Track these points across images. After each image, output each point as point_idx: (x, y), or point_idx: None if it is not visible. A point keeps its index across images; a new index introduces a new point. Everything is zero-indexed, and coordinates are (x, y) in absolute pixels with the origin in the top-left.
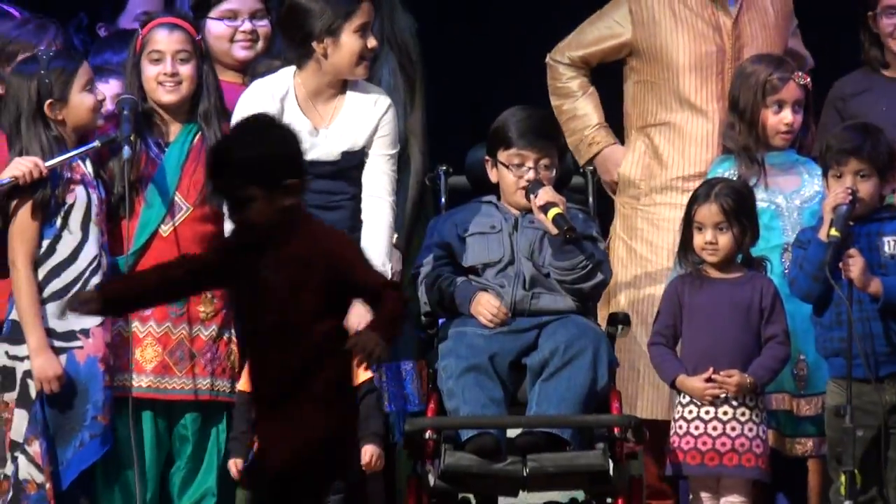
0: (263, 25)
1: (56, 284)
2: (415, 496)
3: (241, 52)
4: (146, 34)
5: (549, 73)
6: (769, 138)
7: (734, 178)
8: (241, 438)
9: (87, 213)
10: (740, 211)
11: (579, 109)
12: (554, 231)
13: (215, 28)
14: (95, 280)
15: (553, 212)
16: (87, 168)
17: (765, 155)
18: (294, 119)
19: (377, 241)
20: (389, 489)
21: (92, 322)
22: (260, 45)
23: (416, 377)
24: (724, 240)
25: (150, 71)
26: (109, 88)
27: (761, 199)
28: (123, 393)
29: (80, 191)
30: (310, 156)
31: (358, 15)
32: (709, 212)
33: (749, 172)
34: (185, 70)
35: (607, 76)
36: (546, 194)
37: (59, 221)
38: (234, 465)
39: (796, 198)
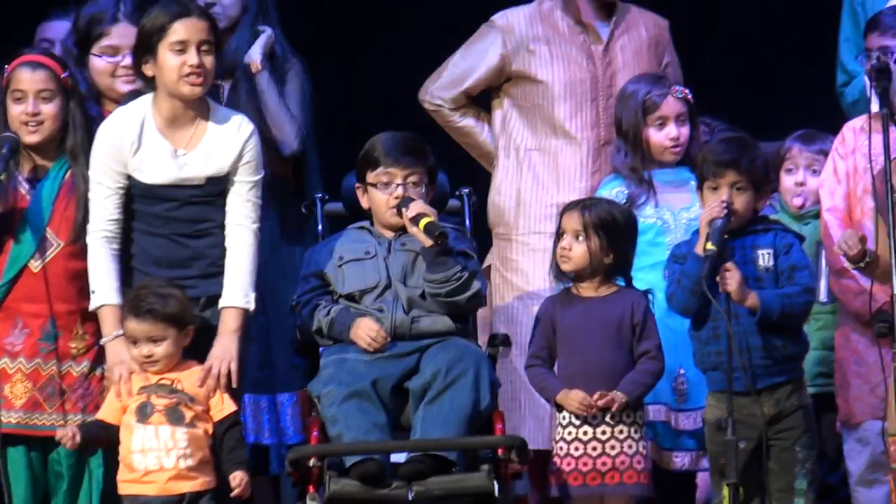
0: None
1: None
2: None
3: (123, 87)
4: (10, 72)
5: (437, 117)
6: (657, 155)
7: (623, 196)
8: None
9: None
10: (603, 227)
11: (490, 142)
12: (427, 242)
13: (97, 63)
14: None
15: (424, 221)
16: None
17: (653, 172)
18: (153, 142)
19: (239, 272)
20: None
21: None
22: None
23: (293, 409)
24: (579, 248)
25: (13, 110)
26: None
27: (649, 214)
28: None
29: None
30: (176, 176)
31: (170, 33)
32: (569, 219)
33: (639, 191)
34: (48, 109)
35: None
36: (416, 206)
37: None
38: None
39: (684, 214)
